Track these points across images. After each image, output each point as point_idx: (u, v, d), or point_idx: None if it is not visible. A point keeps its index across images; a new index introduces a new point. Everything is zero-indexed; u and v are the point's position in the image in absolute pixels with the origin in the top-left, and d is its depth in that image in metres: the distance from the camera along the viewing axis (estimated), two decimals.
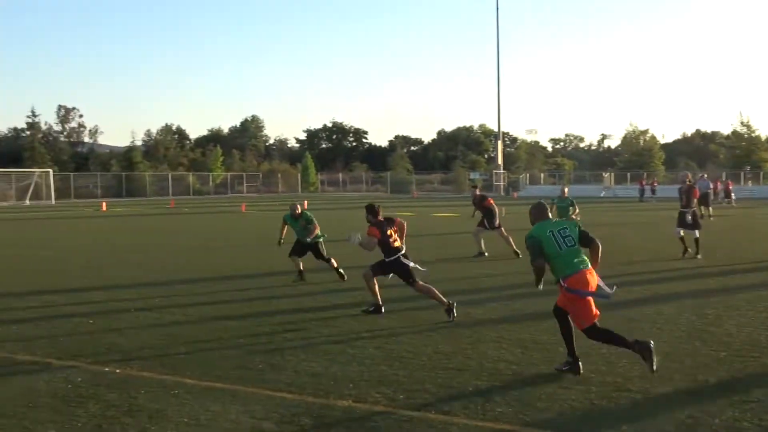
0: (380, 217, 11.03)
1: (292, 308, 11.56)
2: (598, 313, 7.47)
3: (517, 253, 17.95)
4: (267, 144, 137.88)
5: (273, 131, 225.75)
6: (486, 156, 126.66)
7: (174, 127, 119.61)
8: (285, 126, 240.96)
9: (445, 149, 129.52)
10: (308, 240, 14.58)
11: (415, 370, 7.80)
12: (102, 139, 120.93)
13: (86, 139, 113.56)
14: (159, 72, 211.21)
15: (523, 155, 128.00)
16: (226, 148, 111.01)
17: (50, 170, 78.84)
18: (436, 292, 10.53)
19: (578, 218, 19.41)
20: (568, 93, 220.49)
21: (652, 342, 7.26)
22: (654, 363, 7.16)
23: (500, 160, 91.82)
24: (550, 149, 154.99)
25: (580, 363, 7.58)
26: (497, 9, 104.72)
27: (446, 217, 38.43)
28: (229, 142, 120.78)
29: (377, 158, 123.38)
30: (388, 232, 10.73)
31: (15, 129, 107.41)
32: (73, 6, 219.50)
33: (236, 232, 28.71)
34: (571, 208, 19.73)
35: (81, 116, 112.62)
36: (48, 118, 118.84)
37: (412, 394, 7.00)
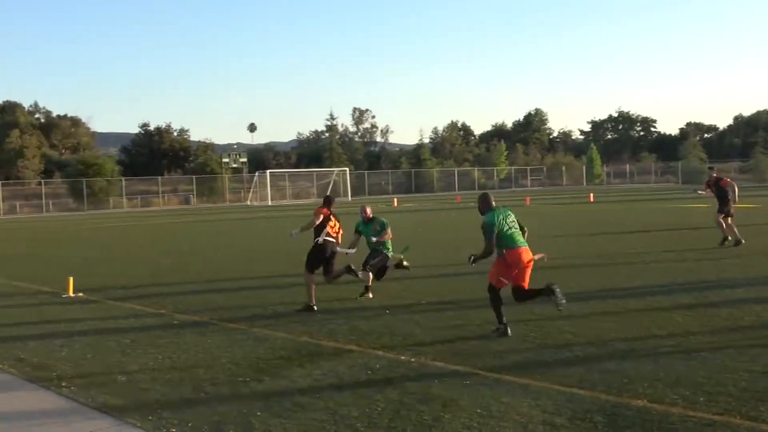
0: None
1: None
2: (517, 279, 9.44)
3: (730, 240, 18.14)
4: (551, 137, 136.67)
5: (557, 124, 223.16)
6: None
7: (459, 124, 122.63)
8: (569, 118, 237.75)
9: (743, 135, 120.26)
10: (373, 240, 13.07)
11: (716, 371, 7.34)
12: (392, 138, 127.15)
13: (378, 139, 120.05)
14: (443, 70, 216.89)
15: None
16: (510, 142, 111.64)
17: (347, 169, 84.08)
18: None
19: None
20: None
21: (555, 284, 9.19)
22: (558, 300, 9.11)
23: None
24: None
25: (509, 328, 9.31)
26: None
27: (746, 208, 35.69)
28: (513, 137, 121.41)
29: (667, 147, 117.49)
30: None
31: (316, 132, 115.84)
32: (372, 10, 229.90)
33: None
34: None
35: (373, 117, 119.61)
36: (344, 121, 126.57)
37: (713, 396, 6.60)
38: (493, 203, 9.74)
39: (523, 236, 9.67)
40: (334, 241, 12.19)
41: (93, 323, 11.40)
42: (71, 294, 14.19)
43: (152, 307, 12.56)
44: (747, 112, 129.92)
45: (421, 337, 9.43)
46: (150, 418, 6.62)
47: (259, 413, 6.62)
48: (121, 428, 6.41)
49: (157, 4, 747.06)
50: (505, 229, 9.42)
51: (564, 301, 9.23)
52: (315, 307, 11.60)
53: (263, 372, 8.00)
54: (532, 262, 9.58)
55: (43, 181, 77.80)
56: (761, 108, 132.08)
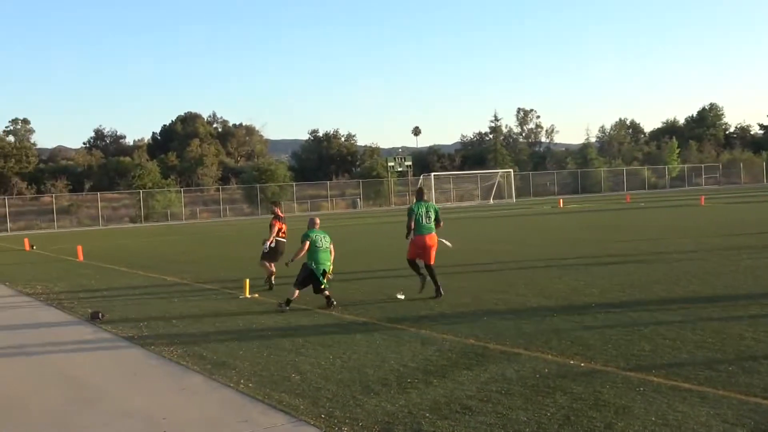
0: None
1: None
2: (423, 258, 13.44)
3: None
4: (727, 132, 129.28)
5: (734, 118, 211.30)
6: None
7: (628, 122, 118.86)
8: (748, 112, 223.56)
9: None
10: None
11: None
12: (558, 138, 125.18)
13: (543, 139, 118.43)
14: (610, 68, 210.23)
15: None
16: (683, 139, 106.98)
17: (511, 170, 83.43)
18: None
19: None
20: None
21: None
22: (421, 288, 13.50)
23: None
24: None
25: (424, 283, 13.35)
26: None
27: None
28: (686, 133, 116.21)
29: None
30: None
31: (479, 133, 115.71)
32: (538, 9, 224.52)
33: (696, 228, 27.45)
34: None
35: (538, 117, 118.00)
36: (508, 122, 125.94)
37: None
38: (424, 198, 13.60)
39: (437, 226, 13.35)
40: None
41: (268, 323, 11.89)
42: (247, 295, 14.84)
43: (322, 308, 12.94)
44: None
45: (590, 340, 9.21)
46: (322, 416, 6.82)
47: (428, 415, 6.69)
48: (296, 425, 6.65)
49: (325, 17, 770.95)
50: (420, 219, 13.19)
51: (402, 296, 13.25)
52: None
53: (431, 374, 8.07)
54: (434, 246, 13.28)
55: (220, 187, 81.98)
56: None
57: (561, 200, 62.04)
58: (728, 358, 7.99)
